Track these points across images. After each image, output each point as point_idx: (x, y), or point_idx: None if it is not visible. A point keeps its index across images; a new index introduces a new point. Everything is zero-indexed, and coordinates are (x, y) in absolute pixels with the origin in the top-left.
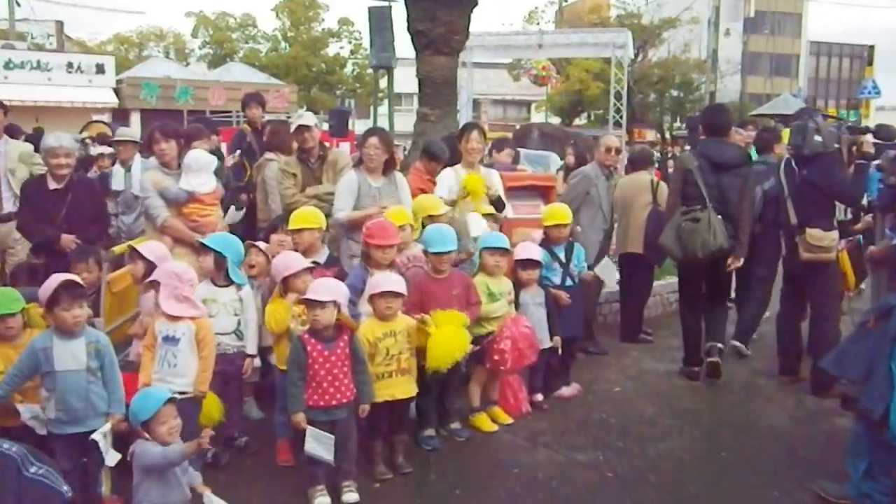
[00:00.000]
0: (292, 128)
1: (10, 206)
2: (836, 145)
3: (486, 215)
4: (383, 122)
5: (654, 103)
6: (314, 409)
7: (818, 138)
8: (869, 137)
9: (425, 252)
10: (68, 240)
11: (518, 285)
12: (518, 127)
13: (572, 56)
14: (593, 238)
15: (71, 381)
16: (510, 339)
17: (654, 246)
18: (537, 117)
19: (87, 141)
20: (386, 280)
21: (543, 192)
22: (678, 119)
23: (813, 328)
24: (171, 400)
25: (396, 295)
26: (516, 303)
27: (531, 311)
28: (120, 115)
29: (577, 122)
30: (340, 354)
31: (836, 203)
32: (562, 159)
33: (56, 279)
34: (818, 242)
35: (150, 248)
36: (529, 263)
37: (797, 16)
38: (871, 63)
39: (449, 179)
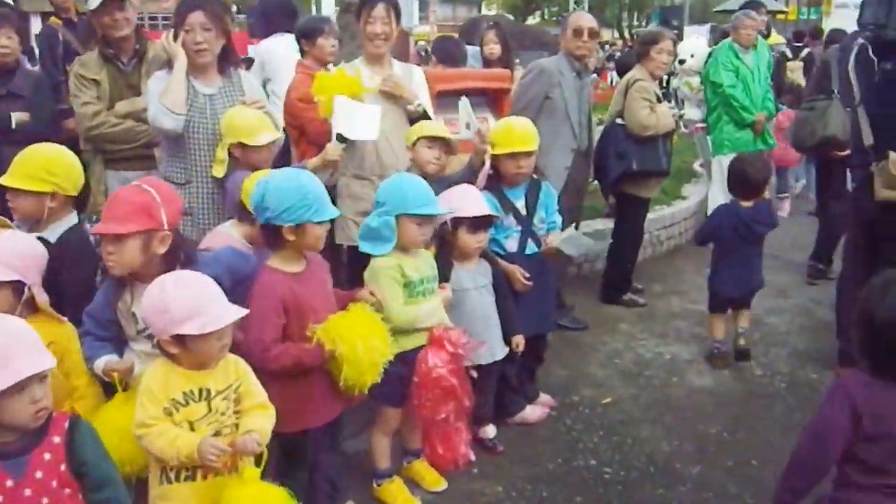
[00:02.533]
0: (92, 3)
1: None
2: None
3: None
4: None
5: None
6: None
7: None
8: None
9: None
10: None
11: (444, 258)
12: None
13: None
14: (558, 164)
15: None
16: (430, 379)
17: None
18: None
19: None
20: None
21: (494, 99)
22: (636, 17)
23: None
24: None
25: None
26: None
27: (473, 304)
28: None
29: (530, 20)
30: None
31: None
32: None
33: None
34: None
35: None
36: (480, 223)
37: None
38: None
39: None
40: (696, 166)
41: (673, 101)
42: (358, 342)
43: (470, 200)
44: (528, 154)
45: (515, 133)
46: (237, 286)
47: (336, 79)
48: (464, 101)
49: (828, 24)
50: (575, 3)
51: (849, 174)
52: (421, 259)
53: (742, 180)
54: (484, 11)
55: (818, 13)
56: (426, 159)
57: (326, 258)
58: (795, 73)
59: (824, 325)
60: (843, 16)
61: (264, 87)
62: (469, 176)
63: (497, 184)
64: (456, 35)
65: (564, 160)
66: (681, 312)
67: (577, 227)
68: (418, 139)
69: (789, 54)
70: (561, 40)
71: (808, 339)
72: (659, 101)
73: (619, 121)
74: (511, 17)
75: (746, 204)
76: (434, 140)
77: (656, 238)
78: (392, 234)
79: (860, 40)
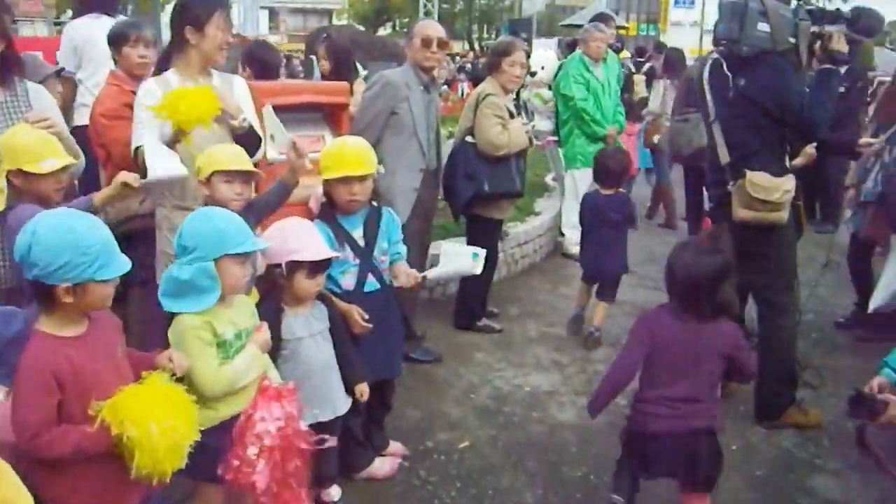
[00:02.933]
0: None
1: None
2: (792, 40)
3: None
4: None
5: (462, 12)
6: None
7: (764, 27)
8: (840, 28)
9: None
10: None
11: (269, 300)
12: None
13: None
14: (406, 185)
15: None
16: (259, 441)
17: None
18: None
19: None
20: None
21: (331, 115)
22: (486, 29)
23: (761, 330)
24: None
25: None
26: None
27: (309, 353)
28: None
29: (381, 31)
30: None
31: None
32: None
33: None
34: (765, 194)
35: None
36: (321, 264)
37: None
38: None
39: (152, 96)
40: (549, 180)
41: (524, 114)
42: (152, 423)
43: (311, 240)
44: (363, 178)
45: (347, 155)
46: (4, 351)
47: (191, 96)
48: (268, 109)
49: (665, 40)
50: (425, 13)
51: (706, 193)
52: (237, 309)
53: (604, 169)
54: (335, 21)
55: (656, 30)
56: (227, 197)
57: (141, 304)
58: (639, 86)
59: None
60: (678, 32)
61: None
62: (276, 202)
63: (331, 212)
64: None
65: (413, 181)
66: (538, 337)
67: (425, 253)
68: (213, 173)
69: (632, 68)
70: (407, 51)
71: None
72: (512, 116)
73: (468, 139)
74: (361, 27)
75: (606, 192)
76: (233, 174)
77: (511, 257)
78: (214, 283)
79: (714, 55)
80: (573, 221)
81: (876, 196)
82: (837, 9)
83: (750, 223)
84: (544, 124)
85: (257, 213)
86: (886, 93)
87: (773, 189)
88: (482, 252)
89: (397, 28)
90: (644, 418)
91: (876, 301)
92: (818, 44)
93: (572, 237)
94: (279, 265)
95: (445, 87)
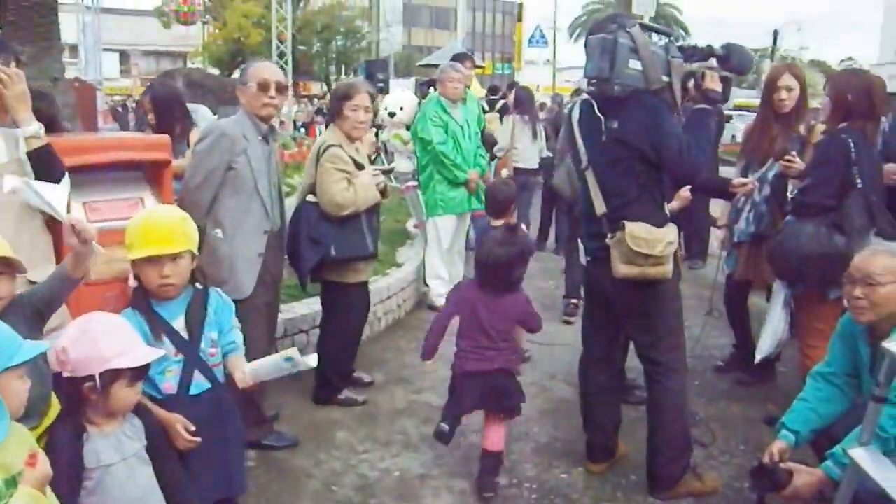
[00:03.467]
0: None
1: None
2: (666, 78)
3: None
4: None
5: (319, 53)
6: None
7: (636, 64)
8: (712, 63)
9: None
10: None
11: (66, 420)
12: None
13: None
14: (248, 251)
15: None
16: None
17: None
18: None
19: None
20: None
21: (152, 173)
22: (344, 70)
23: (649, 393)
24: None
25: None
26: None
27: (121, 482)
28: None
29: (236, 74)
30: None
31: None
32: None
33: None
34: (647, 248)
35: None
36: (139, 373)
37: None
38: (520, 19)
39: None
40: (410, 226)
41: (383, 155)
42: None
43: (128, 341)
44: (175, 257)
45: (153, 230)
46: None
47: None
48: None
49: (520, 78)
50: (279, 55)
51: (581, 246)
52: (6, 446)
53: (492, 200)
54: (189, 64)
55: (511, 69)
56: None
57: None
58: (492, 123)
59: (566, 406)
60: (533, 71)
61: None
62: (58, 299)
63: (144, 297)
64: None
65: (257, 245)
66: (406, 408)
67: (274, 330)
68: None
69: (486, 107)
70: (242, 97)
71: (551, 426)
72: (360, 166)
73: (310, 198)
74: (216, 70)
75: (496, 223)
76: None
77: (373, 314)
78: (2, 410)
79: (584, 96)
80: (437, 271)
81: (749, 236)
82: (709, 45)
83: (631, 280)
84: (405, 165)
85: (34, 315)
86: (747, 130)
87: (656, 242)
88: (294, 353)
89: None
90: (460, 361)
91: (763, 350)
92: (691, 82)
93: (437, 288)
94: (90, 377)
95: (303, 129)
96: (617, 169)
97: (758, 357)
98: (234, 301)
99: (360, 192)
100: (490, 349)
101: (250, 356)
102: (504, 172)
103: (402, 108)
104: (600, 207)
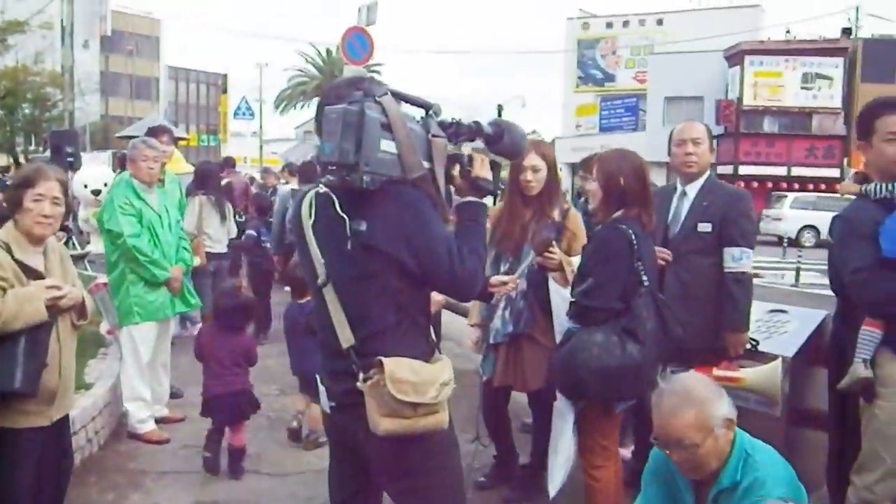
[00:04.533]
0: None
1: None
2: (427, 164)
3: None
4: None
5: (2, 121)
6: None
7: (389, 146)
8: (478, 145)
9: None
10: None
11: None
12: None
13: None
14: None
15: None
16: None
17: None
18: None
19: None
20: None
21: None
22: (33, 140)
23: None
24: None
25: None
26: None
27: None
28: None
29: None
30: None
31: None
32: None
33: None
34: (415, 394)
35: None
36: None
37: (154, 39)
38: (225, 91)
39: None
40: (104, 331)
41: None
42: None
43: None
44: None
45: None
46: None
47: None
48: None
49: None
50: None
51: (321, 389)
52: None
53: (290, 279)
54: None
55: (217, 140)
56: None
57: None
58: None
59: None
60: (240, 143)
61: None
62: None
63: None
64: None
65: None
66: None
67: None
68: None
69: None
70: None
71: None
72: (35, 275)
73: None
74: None
75: (301, 301)
76: None
77: None
78: None
79: (320, 189)
80: (137, 392)
81: (506, 337)
82: (476, 122)
83: (396, 436)
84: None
85: None
86: (494, 217)
87: (426, 384)
88: None
89: None
90: (208, 388)
91: (555, 483)
92: (457, 168)
93: (137, 412)
94: None
95: None
96: (368, 287)
97: (551, 492)
98: None
99: (12, 307)
100: (232, 374)
101: None
102: (196, 261)
103: (105, 185)
104: (346, 339)
